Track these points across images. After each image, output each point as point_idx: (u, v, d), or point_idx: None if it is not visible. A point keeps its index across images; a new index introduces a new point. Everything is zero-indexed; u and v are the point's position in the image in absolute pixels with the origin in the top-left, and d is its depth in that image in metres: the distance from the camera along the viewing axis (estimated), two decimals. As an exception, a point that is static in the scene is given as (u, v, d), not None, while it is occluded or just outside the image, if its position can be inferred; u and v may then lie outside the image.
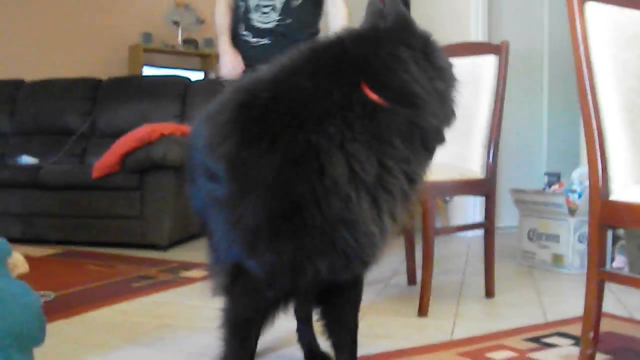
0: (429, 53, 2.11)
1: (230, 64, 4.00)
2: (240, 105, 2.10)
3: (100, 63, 8.67)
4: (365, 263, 2.15)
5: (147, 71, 8.94)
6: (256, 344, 2.28)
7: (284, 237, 2.02)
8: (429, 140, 2.11)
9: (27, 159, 6.88)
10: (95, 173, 6.03)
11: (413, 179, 2.08)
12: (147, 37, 9.09)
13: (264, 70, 2.22)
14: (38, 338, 1.50)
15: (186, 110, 7.08)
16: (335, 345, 2.43)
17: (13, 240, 2.30)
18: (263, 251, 2.05)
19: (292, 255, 2.03)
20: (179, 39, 9.41)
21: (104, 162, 6.03)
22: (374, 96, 2.00)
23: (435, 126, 2.11)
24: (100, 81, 7.59)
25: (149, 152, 5.76)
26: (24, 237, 6.09)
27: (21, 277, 1.74)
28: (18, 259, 1.67)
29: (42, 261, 5.33)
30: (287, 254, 2.03)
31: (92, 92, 7.45)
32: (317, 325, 2.48)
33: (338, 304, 2.38)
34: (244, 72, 3.94)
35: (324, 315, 2.42)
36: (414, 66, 2.05)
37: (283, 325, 2.72)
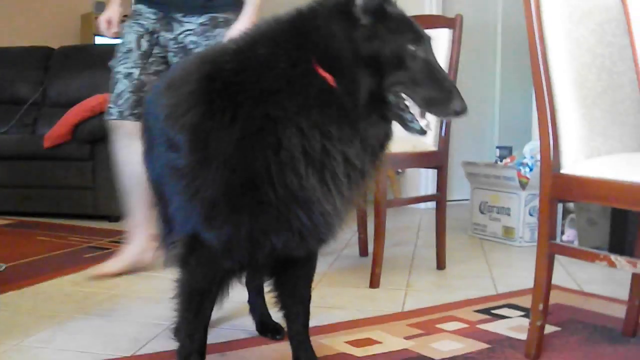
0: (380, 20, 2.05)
1: (104, 22, 3.94)
2: (205, 77, 2.08)
3: (52, 32, 8.53)
4: (320, 241, 2.15)
5: (99, 41, 8.83)
6: (210, 314, 2.27)
7: (241, 211, 2.01)
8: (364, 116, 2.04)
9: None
10: (47, 143, 5.96)
11: (352, 160, 2.04)
12: (100, 6, 8.93)
13: (229, 41, 2.21)
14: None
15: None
16: (287, 316, 2.45)
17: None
18: (220, 224, 2.04)
19: (249, 229, 2.03)
20: (131, 8, 9.30)
21: (56, 131, 5.96)
22: (321, 72, 1.98)
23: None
24: (52, 50, 7.47)
25: (101, 121, 5.70)
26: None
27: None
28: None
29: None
30: (244, 228, 2.02)
31: (44, 61, 7.34)
32: (270, 297, 2.49)
33: (292, 277, 2.39)
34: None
35: (277, 287, 2.43)
36: (346, 44, 2.01)
37: (235, 297, 2.73)
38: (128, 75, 3.76)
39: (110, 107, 3.80)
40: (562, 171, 2.49)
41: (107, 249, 4.65)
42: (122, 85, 3.76)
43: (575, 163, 2.47)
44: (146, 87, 3.70)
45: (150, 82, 3.69)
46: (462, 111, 1.97)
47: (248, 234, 2.03)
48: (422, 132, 2.06)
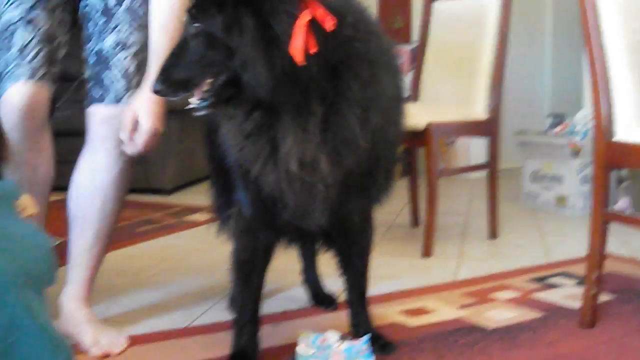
0: None
1: None
2: None
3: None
4: (301, 216, 2.13)
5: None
6: (261, 285, 2.29)
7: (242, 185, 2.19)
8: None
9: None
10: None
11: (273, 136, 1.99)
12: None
13: None
14: (49, 278, 1.51)
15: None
16: (346, 284, 2.46)
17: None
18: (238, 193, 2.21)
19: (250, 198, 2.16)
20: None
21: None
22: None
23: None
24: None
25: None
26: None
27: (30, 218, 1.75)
28: (27, 201, 1.67)
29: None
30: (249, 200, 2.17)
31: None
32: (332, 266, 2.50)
33: (345, 247, 2.40)
34: None
35: (335, 257, 2.45)
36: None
37: (289, 268, 2.75)
38: (30, 21, 2.46)
39: (13, 68, 2.45)
40: (615, 138, 2.46)
41: (159, 222, 4.69)
42: (24, 35, 2.46)
43: (629, 129, 2.43)
44: (58, 40, 2.58)
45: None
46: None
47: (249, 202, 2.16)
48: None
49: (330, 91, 1.93)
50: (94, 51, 2.55)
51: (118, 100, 2.48)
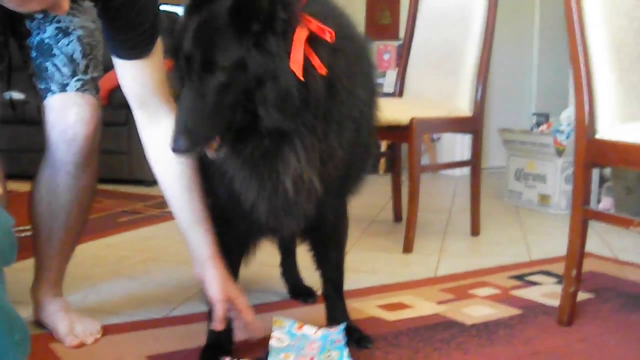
0: None
1: None
2: None
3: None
4: (274, 226, 2.12)
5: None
6: (236, 275, 2.29)
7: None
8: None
9: (14, 95, 6.81)
10: (83, 108, 5.91)
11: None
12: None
13: None
14: (8, 257, 1.49)
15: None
16: (322, 277, 2.46)
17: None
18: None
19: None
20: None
21: (91, 97, 5.92)
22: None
23: None
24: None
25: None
26: (11, 173, 6.00)
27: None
28: (-10, 182, 1.65)
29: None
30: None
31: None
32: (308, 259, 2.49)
33: (321, 241, 2.40)
34: None
35: (311, 249, 2.44)
36: None
37: (267, 260, 2.73)
38: None
39: None
40: (597, 136, 2.46)
41: (141, 213, 4.67)
42: None
43: (611, 128, 2.43)
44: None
45: None
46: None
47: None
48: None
49: (328, 107, 1.91)
50: (34, 44, 2.39)
51: (64, 87, 2.36)
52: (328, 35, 1.83)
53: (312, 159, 1.93)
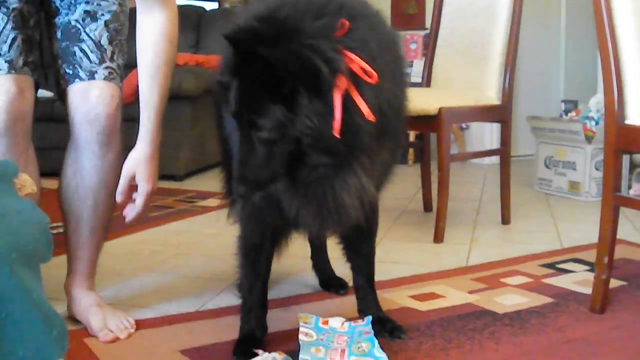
0: None
1: None
2: None
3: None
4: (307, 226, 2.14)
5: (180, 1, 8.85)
6: (269, 269, 2.30)
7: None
8: None
9: (42, 93, 6.85)
10: (111, 105, 5.92)
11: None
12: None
13: None
14: (44, 255, 1.50)
15: (200, 40, 7.03)
16: (353, 269, 2.47)
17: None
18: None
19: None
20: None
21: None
22: None
23: None
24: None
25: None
26: (41, 170, 6.09)
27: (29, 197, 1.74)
28: (26, 180, 1.66)
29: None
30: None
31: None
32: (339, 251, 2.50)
33: (352, 234, 2.39)
34: None
35: (342, 242, 2.45)
36: None
37: (298, 252, 2.74)
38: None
39: None
40: (626, 122, 2.44)
41: (172, 207, 4.69)
42: None
43: (640, 113, 2.42)
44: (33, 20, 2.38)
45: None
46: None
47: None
48: None
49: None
50: (62, 25, 2.41)
51: (92, 75, 2.40)
52: (372, 76, 1.83)
53: (371, 175, 1.98)
